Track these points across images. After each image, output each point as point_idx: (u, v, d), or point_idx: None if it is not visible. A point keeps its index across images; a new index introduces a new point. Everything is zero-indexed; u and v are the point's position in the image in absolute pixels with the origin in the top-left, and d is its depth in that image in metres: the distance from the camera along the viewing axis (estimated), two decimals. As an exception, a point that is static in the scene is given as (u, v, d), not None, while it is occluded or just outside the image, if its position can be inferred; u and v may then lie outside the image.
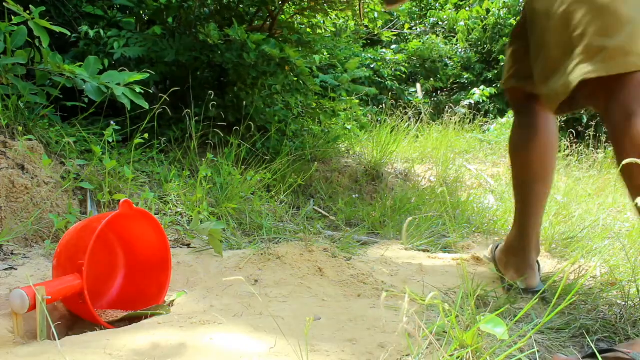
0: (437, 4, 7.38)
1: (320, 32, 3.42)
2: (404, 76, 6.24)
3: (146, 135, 1.99)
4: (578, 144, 4.40)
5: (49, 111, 2.11)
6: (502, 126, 5.31)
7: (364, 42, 5.78)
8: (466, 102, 6.13)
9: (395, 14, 5.90)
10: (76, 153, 2.00)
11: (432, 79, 6.53)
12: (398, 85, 5.89)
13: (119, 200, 1.35)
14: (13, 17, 1.93)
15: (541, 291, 1.32)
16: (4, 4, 1.92)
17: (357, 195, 2.79)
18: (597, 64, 0.86)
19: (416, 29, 7.38)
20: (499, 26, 6.93)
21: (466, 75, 6.88)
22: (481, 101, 6.14)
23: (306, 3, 3.04)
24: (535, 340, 1.05)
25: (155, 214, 1.92)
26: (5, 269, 1.36)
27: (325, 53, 3.98)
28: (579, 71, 0.89)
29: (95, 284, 1.29)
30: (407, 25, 7.13)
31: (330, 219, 2.42)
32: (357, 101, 3.74)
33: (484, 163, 4.11)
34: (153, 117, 2.13)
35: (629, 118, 0.85)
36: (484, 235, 2.20)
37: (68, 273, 1.10)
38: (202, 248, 1.66)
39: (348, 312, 1.16)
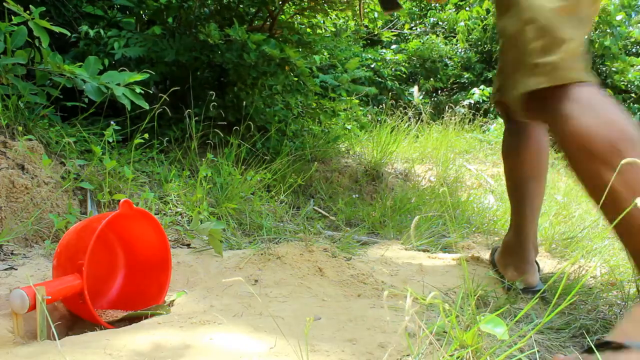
0: (437, 5, 7.38)
1: (320, 32, 3.42)
2: (404, 76, 6.24)
3: (146, 135, 1.99)
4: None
5: (49, 111, 2.11)
6: (502, 126, 5.31)
7: (364, 42, 5.78)
8: (466, 102, 6.13)
9: (395, 14, 5.90)
10: (76, 153, 2.00)
11: (432, 79, 6.54)
12: (398, 85, 5.88)
13: (119, 200, 1.35)
14: (13, 17, 1.93)
15: (541, 291, 1.32)
16: (4, 4, 1.92)
17: (357, 195, 2.79)
18: (539, 77, 1.00)
19: (416, 29, 7.38)
20: (499, 26, 6.91)
21: (466, 75, 6.88)
22: (481, 101, 6.15)
23: (306, 3, 3.04)
24: (535, 340, 1.05)
25: (155, 214, 1.92)
26: (5, 269, 1.36)
27: (325, 53, 3.98)
28: (524, 84, 1.02)
29: (95, 284, 1.29)
30: (407, 26, 7.13)
31: (330, 219, 2.42)
32: (357, 101, 3.74)
33: (484, 163, 4.11)
34: (153, 117, 2.13)
35: (567, 120, 0.96)
36: (484, 235, 2.20)
37: (68, 273, 1.10)
38: (202, 248, 1.66)
39: (348, 312, 1.16)
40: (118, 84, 2.03)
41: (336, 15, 3.56)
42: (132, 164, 1.99)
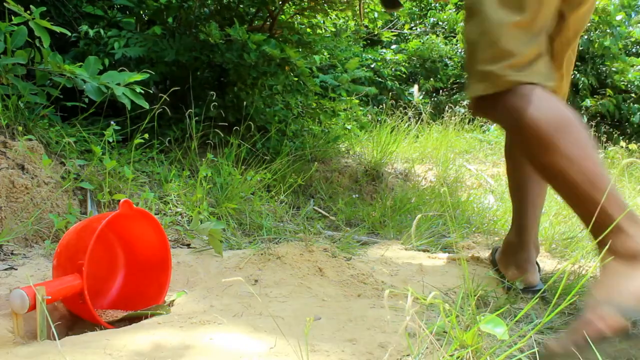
0: (437, 4, 7.38)
1: (320, 32, 3.41)
2: (404, 76, 6.23)
3: (146, 135, 1.99)
4: (578, 144, 4.38)
5: (49, 111, 2.11)
6: (503, 126, 5.30)
7: (364, 42, 5.78)
8: (466, 102, 6.12)
9: (395, 14, 5.90)
10: (76, 153, 2.00)
11: (432, 79, 6.53)
12: (398, 85, 5.88)
13: (119, 200, 1.35)
14: (13, 17, 1.93)
15: (541, 291, 1.32)
16: (5, 4, 1.92)
17: (357, 195, 2.79)
18: (484, 83, 1.14)
19: (416, 29, 7.38)
20: (499, 26, 6.90)
21: (466, 75, 6.86)
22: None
23: (306, 3, 3.04)
24: (535, 340, 1.05)
25: (155, 214, 1.92)
26: (5, 269, 1.36)
27: (325, 53, 3.97)
28: (473, 89, 1.15)
29: (95, 284, 1.29)
30: (407, 26, 7.13)
31: (330, 219, 2.42)
32: (357, 101, 3.74)
33: (484, 163, 4.11)
34: (153, 117, 2.13)
35: (514, 113, 1.10)
36: (484, 235, 2.20)
37: (68, 273, 1.10)
38: (202, 248, 1.66)
39: (348, 312, 1.16)
40: (118, 84, 2.03)
41: (336, 15, 3.56)
42: (132, 164, 1.99)
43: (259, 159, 2.58)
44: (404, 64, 6.14)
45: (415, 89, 5.88)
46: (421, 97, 5.90)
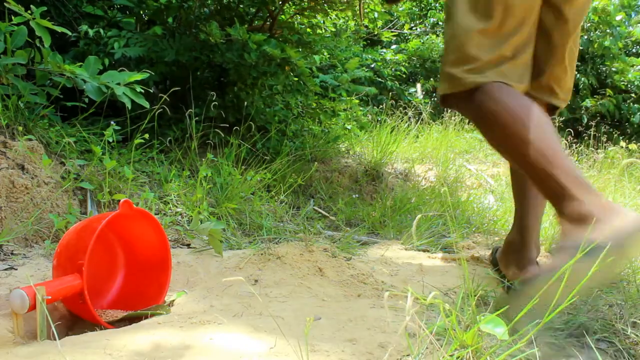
0: (437, 4, 7.38)
1: (320, 32, 3.41)
2: (404, 76, 6.23)
3: (146, 135, 1.99)
4: (578, 144, 4.40)
5: (49, 111, 2.11)
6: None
7: (364, 42, 5.78)
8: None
9: (395, 14, 5.90)
10: (76, 153, 2.00)
11: (432, 79, 6.53)
12: (398, 85, 5.88)
13: (119, 200, 1.35)
14: (13, 17, 1.93)
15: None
16: (5, 3, 1.92)
17: (357, 195, 2.79)
18: (447, 83, 1.27)
19: (416, 29, 7.38)
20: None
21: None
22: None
23: (306, 3, 3.04)
24: (535, 340, 1.05)
25: (155, 214, 1.92)
26: (5, 269, 1.36)
27: (325, 53, 3.97)
28: (440, 87, 1.28)
29: (95, 284, 1.29)
30: (407, 26, 7.13)
31: (330, 219, 2.42)
32: (357, 101, 3.74)
33: (484, 163, 4.11)
34: (153, 117, 2.13)
35: (478, 106, 1.22)
36: (484, 235, 2.20)
37: (68, 273, 1.10)
38: (202, 248, 1.66)
39: (348, 312, 1.16)
40: (118, 84, 2.03)
41: (336, 15, 3.56)
42: (132, 164, 1.99)
43: (259, 159, 2.58)
44: (404, 64, 6.14)
45: (418, 87, 5.88)
46: (421, 97, 5.90)
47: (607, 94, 6.13)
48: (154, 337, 0.98)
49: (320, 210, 2.51)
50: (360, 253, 1.78)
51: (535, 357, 0.89)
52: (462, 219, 2.35)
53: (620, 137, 5.41)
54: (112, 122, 2.02)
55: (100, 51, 2.53)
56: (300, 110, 3.26)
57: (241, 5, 3.00)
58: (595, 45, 6.08)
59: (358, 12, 3.14)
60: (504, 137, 1.20)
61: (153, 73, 2.24)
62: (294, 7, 3.14)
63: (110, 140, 1.98)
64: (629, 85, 6.39)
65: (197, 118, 2.45)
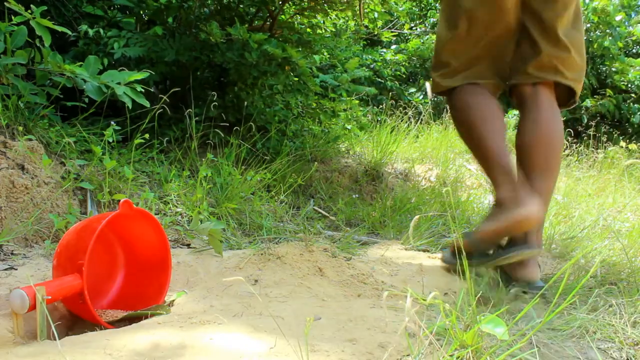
0: (437, 4, 7.37)
1: (320, 32, 3.41)
2: (404, 76, 6.23)
3: (146, 135, 1.99)
4: (578, 144, 4.40)
5: (49, 111, 2.11)
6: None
7: (364, 42, 5.78)
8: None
9: (395, 14, 5.90)
10: (76, 153, 2.00)
11: (432, 79, 6.52)
12: (398, 85, 5.88)
13: (119, 200, 1.35)
14: (13, 17, 1.93)
15: (542, 290, 1.32)
16: (5, 3, 1.92)
17: (357, 195, 2.79)
18: (432, 85, 1.58)
19: (416, 29, 7.38)
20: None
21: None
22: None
23: (306, 3, 3.04)
24: (535, 340, 1.05)
25: (155, 214, 1.92)
26: (5, 269, 1.36)
27: (325, 53, 3.97)
28: (428, 90, 1.77)
29: (95, 284, 1.29)
30: (407, 26, 7.12)
31: (330, 219, 2.42)
32: (357, 102, 3.73)
33: (484, 163, 4.10)
34: (153, 117, 2.13)
35: (452, 105, 1.52)
36: (484, 235, 2.20)
37: (68, 273, 1.10)
38: (202, 248, 1.66)
39: (348, 312, 1.16)
40: (119, 83, 2.03)
41: (336, 15, 3.56)
42: (132, 164, 1.99)
43: (259, 159, 2.58)
44: (404, 64, 6.14)
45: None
46: (421, 97, 5.90)
47: (607, 94, 6.13)
48: (154, 337, 0.98)
49: (320, 210, 2.51)
50: (360, 253, 1.78)
51: (535, 357, 0.89)
52: (462, 219, 2.35)
53: (620, 137, 5.41)
54: (112, 122, 2.01)
55: (100, 51, 2.53)
56: (300, 110, 3.26)
57: (241, 5, 3.00)
58: (595, 46, 6.08)
59: (358, 12, 3.14)
60: (462, 135, 1.50)
61: (153, 73, 2.24)
62: (294, 7, 3.14)
63: (110, 140, 1.98)
64: (629, 85, 6.39)
65: (197, 118, 2.45)
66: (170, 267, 1.32)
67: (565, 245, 2.02)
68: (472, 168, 3.83)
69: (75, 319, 1.21)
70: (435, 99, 5.81)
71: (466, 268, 1.00)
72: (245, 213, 2.09)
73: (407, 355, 0.93)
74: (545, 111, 1.45)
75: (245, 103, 2.78)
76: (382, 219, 2.33)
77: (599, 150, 4.22)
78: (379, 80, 5.66)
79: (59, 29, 1.97)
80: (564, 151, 4.21)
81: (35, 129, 1.95)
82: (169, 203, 2.01)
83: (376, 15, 3.55)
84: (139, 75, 2.05)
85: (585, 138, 4.62)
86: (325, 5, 3.03)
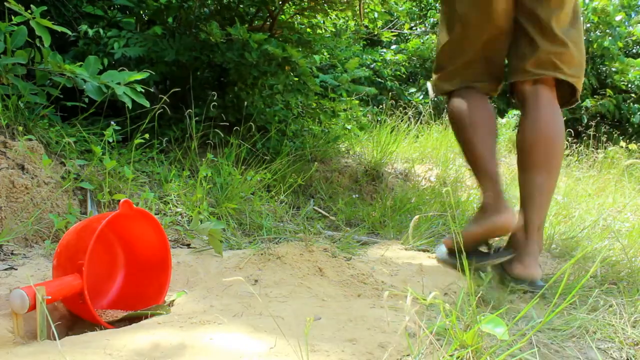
0: (437, 4, 7.37)
1: (320, 32, 3.41)
2: (404, 76, 6.23)
3: (146, 135, 1.99)
4: (578, 144, 4.40)
5: (49, 111, 2.11)
6: (502, 126, 5.31)
7: (364, 42, 5.78)
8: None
9: (395, 14, 5.90)
10: (76, 153, 2.00)
11: (432, 79, 6.52)
12: (398, 85, 5.88)
13: (119, 200, 1.35)
14: (13, 17, 1.93)
15: (542, 290, 1.32)
16: (5, 3, 1.92)
17: (357, 195, 2.79)
18: (434, 87, 1.67)
19: (416, 29, 7.38)
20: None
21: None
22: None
23: (306, 3, 3.04)
24: (535, 340, 1.05)
25: (155, 214, 1.92)
26: (5, 269, 1.36)
27: (325, 53, 3.97)
28: (430, 89, 1.70)
29: (95, 284, 1.29)
30: (407, 26, 7.12)
31: (330, 219, 2.42)
32: (357, 102, 3.74)
33: (484, 163, 4.10)
34: (153, 117, 2.13)
35: (449, 109, 1.57)
36: (484, 235, 2.20)
37: (68, 273, 1.10)
38: (202, 248, 1.66)
39: (348, 312, 1.16)
40: (119, 83, 2.03)
41: (336, 15, 3.56)
42: (132, 164, 1.99)
43: (259, 159, 2.58)
44: (404, 64, 6.14)
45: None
46: (421, 97, 5.90)
47: (607, 94, 6.13)
48: (154, 337, 0.98)
49: (320, 210, 2.51)
50: (360, 253, 1.78)
51: (535, 357, 0.89)
52: (462, 219, 2.35)
53: (620, 137, 5.41)
54: (112, 122, 2.01)
55: (100, 51, 2.53)
56: (300, 110, 3.25)
57: (241, 5, 3.00)
58: (595, 46, 6.08)
59: (358, 12, 3.14)
60: (455, 137, 1.56)
61: (153, 73, 2.24)
62: (294, 7, 3.14)
63: (110, 140, 1.98)
64: (629, 86, 6.39)
65: (197, 118, 2.45)
66: (170, 267, 1.32)
67: (565, 245, 2.02)
68: (472, 168, 3.82)
69: (75, 319, 1.21)
70: (436, 99, 5.82)
71: (466, 268, 1.00)
72: (245, 213, 2.09)
73: (407, 355, 0.93)
74: (545, 110, 1.45)
75: (245, 103, 2.78)
76: (382, 219, 2.33)
77: (599, 150, 4.22)
78: (379, 80, 5.66)
79: (59, 29, 1.97)
80: (564, 151, 4.20)
81: (35, 129, 1.95)
82: (169, 203, 2.01)
83: (376, 15, 3.55)
84: (139, 76, 2.05)
85: (585, 138, 4.62)
86: (325, 5, 3.03)
